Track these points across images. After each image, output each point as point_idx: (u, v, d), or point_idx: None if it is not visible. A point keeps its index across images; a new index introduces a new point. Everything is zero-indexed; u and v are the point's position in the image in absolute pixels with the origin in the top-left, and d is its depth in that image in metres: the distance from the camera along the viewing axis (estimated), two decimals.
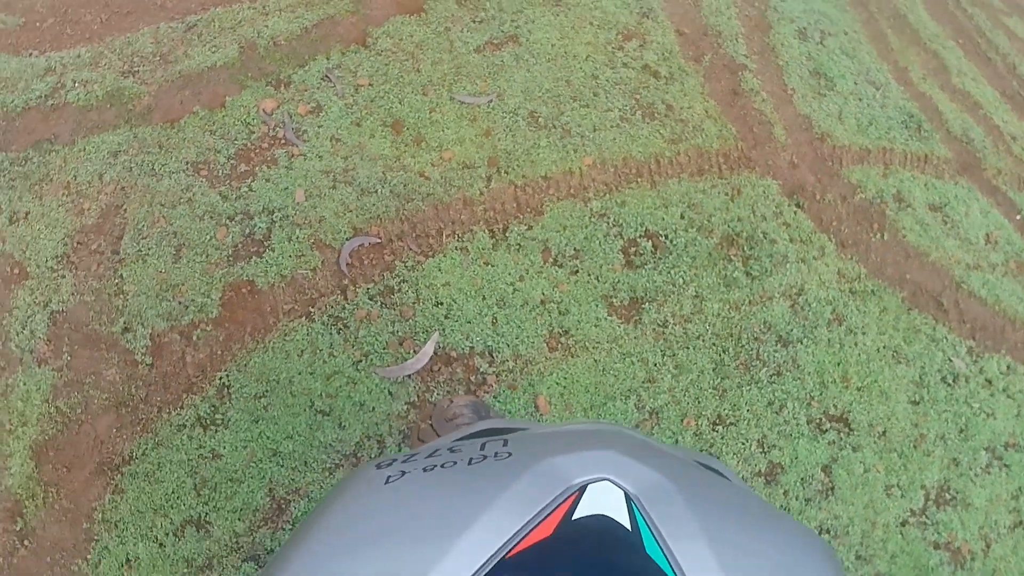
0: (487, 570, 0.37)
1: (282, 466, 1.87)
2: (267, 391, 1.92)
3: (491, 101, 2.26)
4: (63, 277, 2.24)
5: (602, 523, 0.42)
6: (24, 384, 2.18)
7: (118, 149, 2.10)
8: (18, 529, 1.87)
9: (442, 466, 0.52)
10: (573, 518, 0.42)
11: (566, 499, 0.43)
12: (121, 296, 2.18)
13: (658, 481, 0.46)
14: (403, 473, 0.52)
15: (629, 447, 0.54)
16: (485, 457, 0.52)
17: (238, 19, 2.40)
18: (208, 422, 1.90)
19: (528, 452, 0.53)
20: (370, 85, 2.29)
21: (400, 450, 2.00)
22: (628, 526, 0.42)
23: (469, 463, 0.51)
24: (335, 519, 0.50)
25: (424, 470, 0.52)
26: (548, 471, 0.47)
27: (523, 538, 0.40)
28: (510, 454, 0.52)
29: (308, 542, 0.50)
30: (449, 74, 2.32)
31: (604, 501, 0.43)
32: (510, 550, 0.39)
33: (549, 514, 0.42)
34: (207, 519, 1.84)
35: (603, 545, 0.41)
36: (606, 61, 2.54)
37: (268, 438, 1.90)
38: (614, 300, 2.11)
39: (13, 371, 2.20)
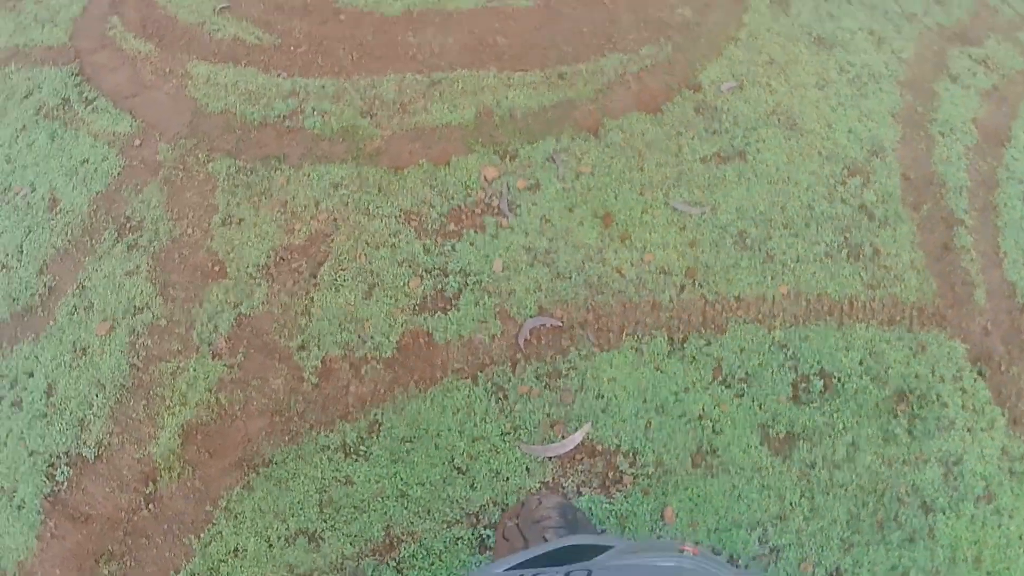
0: None
1: (406, 508, 2.28)
2: (414, 437, 2.37)
3: (704, 213, 2.63)
4: (258, 285, 2.81)
5: None
6: (194, 370, 2.73)
7: (340, 182, 2.71)
8: (147, 492, 2.38)
9: None
10: None
11: None
12: (306, 316, 2.72)
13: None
14: None
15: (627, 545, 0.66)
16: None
17: (481, 85, 2.96)
18: (351, 450, 2.37)
19: (614, 561, 0.63)
20: (591, 174, 2.79)
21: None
22: None
23: None
24: None
25: None
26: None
27: None
28: (590, 573, 0.61)
29: None
30: (670, 178, 2.73)
31: None
32: None
33: None
34: (321, 535, 2.26)
35: None
36: (825, 194, 2.89)
37: (401, 479, 2.33)
38: (770, 431, 2.42)
39: (188, 356, 2.76)
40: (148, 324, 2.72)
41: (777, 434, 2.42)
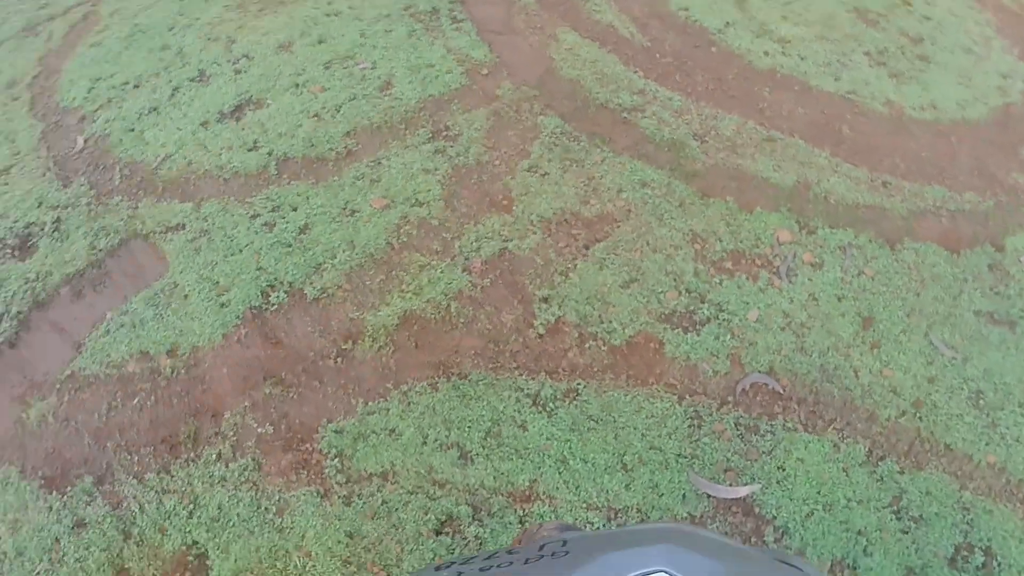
0: None
1: (560, 474, 2.94)
2: (601, 419, 3.01)
3: (955, 359, 3.15)
4: (534, 233, 3.83)
5: None
6: (441, 273, 3.73)
7: (649, 183, 3.49)
8: (343, 347, 3.22)
9: (498, 566, 0.80)
10: None
11: None
12: (563, 277, 3.71)
13: (715, 570, 0.70)
14: (459, 575, 0.81)
15: (689, 540, 0.80)
16: (542, 556, 0.80)
17: (811, 159, 3.77)
18: (541, 403, 3.07)
19: (585, 549, 0.80)
20: (872, 278, 3.43)
21: None
22: None
23: (525, 562, 0.79)
24: None
25: (480, 570, 0.80)
26: (602, 565, 0.71)
27: None
28: (567, 552, 0.80)
29: None
30: (939, 315, 3.29)
31: None
32: None
33: None
34: (474, 457, 2.98)
35: None
36: None
37: (570, 448, 2.98)
38: None
39: (442, 259, 3.81)
40: (421, 218, 3.58)
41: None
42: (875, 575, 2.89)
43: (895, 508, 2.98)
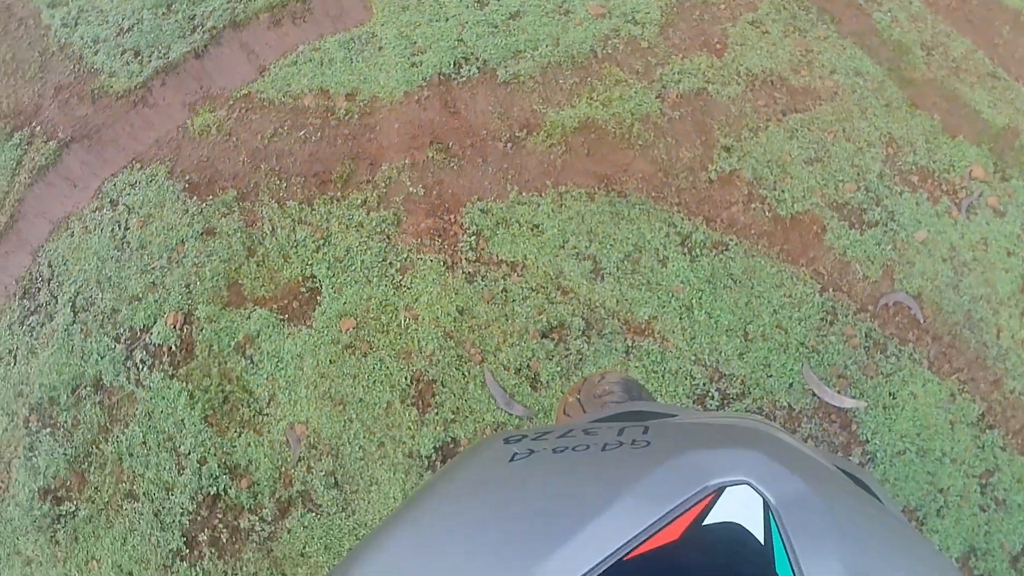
0: (601, 570, 0.54)
1: (680, 318, 3.04)
2: (739, 281, 3.10)
3: None
4: (737, 84, 3.43)
5: (734, 533, 0.60)
6: (634, 93, 3.33)
7: (863, 72, 3.33)
8: (516, 135, 3.32)
9: (574, 448, 0.76)
10: (704, 523, 0.60)
11: (700, 501, 0.61)
12: (750, 133, 3.52)
13: (802, 493, 0.65)
14: (531, 452, 0.77)
15: (776, 449, 0.76)
16: (621, 444, 0.76)
17: None
18: (688, 245, 3.17)
19: (668, 443, 0.77)
20: None
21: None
22: (761, 540, 0.60)
23: (603, 448, 0.75)
24: (452, 489, 0.78)
25: (554, 451, 0.77)
26: (686, 466, 0.67)
27: (647, 539, 0.57)
28: (648, 443, 0.76)
29: (422, 508, 0.76)
30: None
31: (740, 508, 0.62)
32: (631, 551, 0.56)
33: (679, 516, 0.60)
34: (607, 275, 3.10)
35: (731, 559, 0.59)
36: None
37: (699, 298, 3.08)
38: (974, 554, 3.02)
39: (638, 82, 3.52)
40: (632, 36, 3.52)
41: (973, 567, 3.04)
42: (939, 538, 2.99)
43: (983, 482, 3.07)
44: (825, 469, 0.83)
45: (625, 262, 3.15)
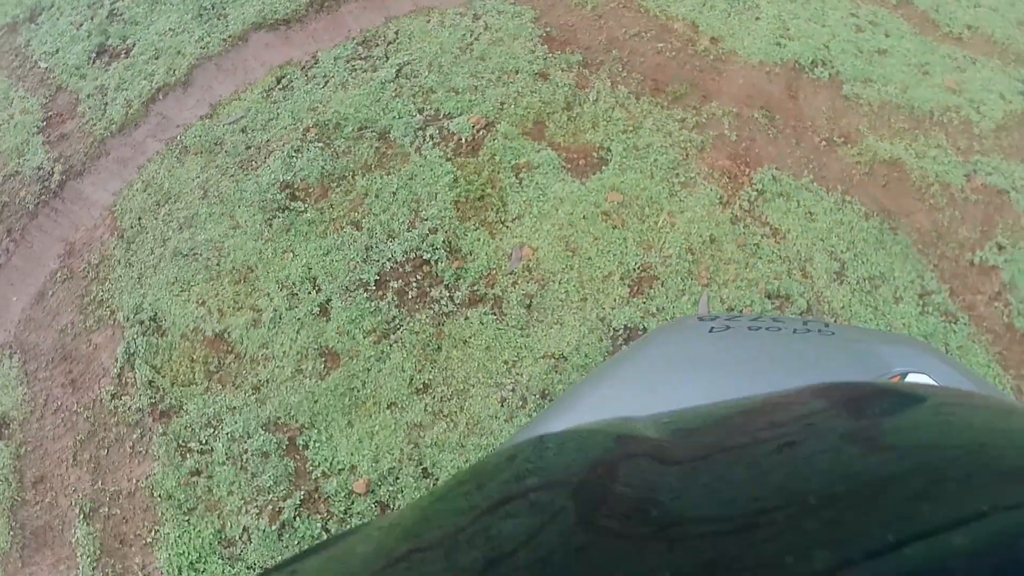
0: None
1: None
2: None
3: None
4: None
5: None
6: None
7: None
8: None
9: (767, 329, 0.84)
10: None
11: (892, 378, 0.68)
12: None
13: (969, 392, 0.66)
14: (727, 327, 0.85)
15: (943, 357, 0.85)
16: (808, 331, 0.84)
17: None
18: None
19: (852, 334, 0.86)
20: None
21: None
22: None
23: (793, 332, 0.83)
24: (654, 354, 0.87)
25: (748, 328, 0.85)
26: (872, 354, 0.75)
27: None
28: (833, 333, 0.84)
29: (624, 369, 0.87)
30: None
31: None
32: None
33: None
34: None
35: None
36: None
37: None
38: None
39: None
40: (967, 118, 3.68)
41: None
42: None
43: None
44: (985, 382, 0.95)
45: (866, 281, 3.16)
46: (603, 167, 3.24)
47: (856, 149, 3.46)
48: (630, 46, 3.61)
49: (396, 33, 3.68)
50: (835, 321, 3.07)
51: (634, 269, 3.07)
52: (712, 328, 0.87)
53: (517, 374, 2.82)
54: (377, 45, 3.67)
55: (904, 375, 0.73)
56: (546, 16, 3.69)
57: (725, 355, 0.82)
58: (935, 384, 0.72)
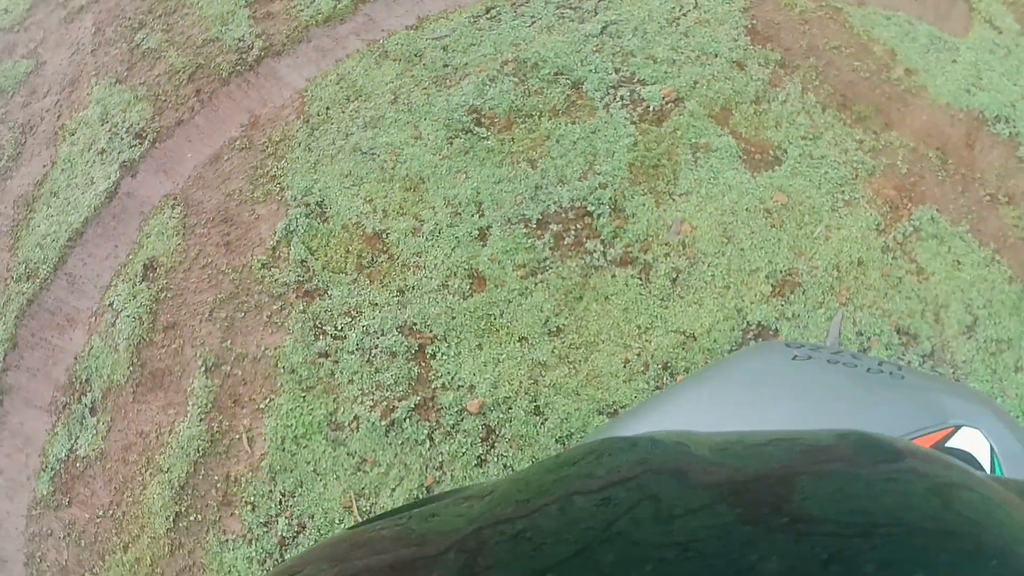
0: None
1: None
2: None
3: None
4: None
5: (968, 457, 0.72)
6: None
7: None
8: None
9: (844, 364, 0.90)
10: (946, 444, 0.73)
11: (942, 429, 0.73)
12: None
13: (1018, 450, 0.76)
14: (810, 357, 0.91)
15: (1002, 413, 0.89)
16: (882, 372, 0.90)
17: None
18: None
19: (920, 380, 0.91)
20: None
21: None
22: (988, 471, 0.71)
23: (868, 371, 0.89)
24: (738, 373, 0.94)
25: (828, 361, 0.91)
26: (934, 402, 0.81)
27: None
28: (903, 377, 0.89)
29: (719, 379, 0.94)
30: None
31: (972, 445, 0.74)
32: None
33: (927, 434, 0.71)
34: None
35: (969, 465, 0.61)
36: None
37: None
38: None
39: None
40: None
41: None
42: None
43: None
44: None
45: (993, 342, 3.13)
46: (776, 166, 3.33)
47: (1018, 212, 3.44)
48: (828, 57, 3.67)
49: None
50: (953, 373, 3.11)
51: (781, 271, 3.15)
52: (796, 356, 0.95)
53: (646, 340, 2.95)
54: (588, 0, 3.82)
55: (959, 427, 0.81)
56: (755, 8, 3.77)
57: (801, 383, 0.92)
58: (986, 438, 0.81)
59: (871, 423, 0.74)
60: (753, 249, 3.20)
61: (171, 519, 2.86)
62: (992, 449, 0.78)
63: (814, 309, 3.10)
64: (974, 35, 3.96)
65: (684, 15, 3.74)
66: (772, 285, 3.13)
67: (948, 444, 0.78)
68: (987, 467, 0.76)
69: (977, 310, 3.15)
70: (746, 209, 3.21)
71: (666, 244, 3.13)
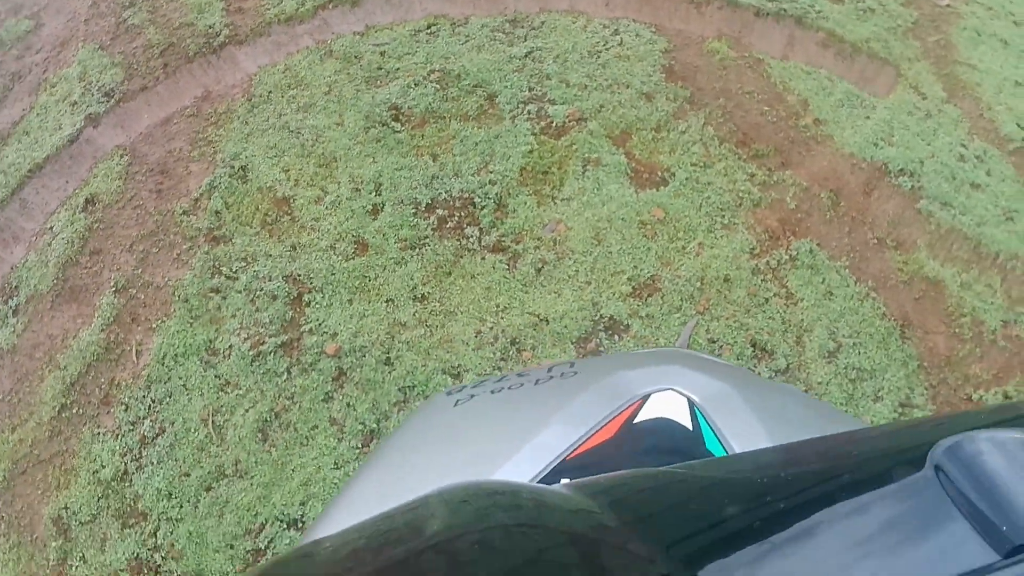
0: (547, 471, 0.63)
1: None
2: None
3: None
4: None
5: (664, 425, 0.72)
6: None
7: None
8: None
9: (509, 388, 0.90)
10: (635, 422, 0.73)
11: (629, 406, 0.74)
12: None
13: (722, 389, 0.77)
14: (472, 396, 0.92)
15: (694, 361, 0.89)
16: (552, 377, 0.91)
17: None
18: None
19: (593, 370, 0.90)
20: None
21: None
22: (690, 427, 0.71)
23: (535, 383, 0.89)
24: (406, 439, 0.92)
25: (492, 392, 0.91)
26: (612, 384, 0.79)
27: (584, 441, 0.68)
28: (576, 373, 0.90)
29: (381, 459, 0.92)
30: None
31: (667, 408, 0.74)
32: (571, 453, 0.66)
33: (611, 420, 0.72)
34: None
35: (662, 441, 0.69)
36: None
37: None
38: None
39: None
40: None
41: None
42: None
43: None
44: (741, 371, 1.03)
45: (855, 370, 3.36)
46: (662, 186, 3.73)
47: (904, 258, 3.69)
48: (738, 100, 4.09)
49: (543, 23, 4.35)
50: (808, 391, 3.34)
51: (644, 276, 3.50)
52: (457, 401, 0.95)
53: (501, 317, 3.34)
54: (522, 27, 4.35)
55: (647, 396, 0.81)
56: (677, 52, 4.24)
57: (465, 424, 0.92)
58: (681, 394, 0.81)
59: (549, 435, 0.75)
60: (621, 254, 3.57)
61: (57, 409, 3.32)
62: (691, 402, 0.79)
63: (669, 313, 3.43)
64: (895, 97, 4.29)
65: (606, 49, 4.23)
66: (632, 287, 3.48)
67: (639, 418, 0.77)
68: (688, 421, 0.76)
69: (842, 338, 3.40)
70: (622, 219, 3.61)
71: (539, 239, 3.55)
